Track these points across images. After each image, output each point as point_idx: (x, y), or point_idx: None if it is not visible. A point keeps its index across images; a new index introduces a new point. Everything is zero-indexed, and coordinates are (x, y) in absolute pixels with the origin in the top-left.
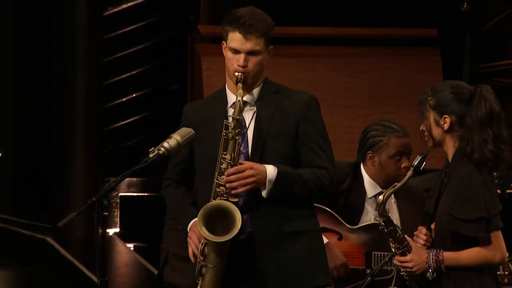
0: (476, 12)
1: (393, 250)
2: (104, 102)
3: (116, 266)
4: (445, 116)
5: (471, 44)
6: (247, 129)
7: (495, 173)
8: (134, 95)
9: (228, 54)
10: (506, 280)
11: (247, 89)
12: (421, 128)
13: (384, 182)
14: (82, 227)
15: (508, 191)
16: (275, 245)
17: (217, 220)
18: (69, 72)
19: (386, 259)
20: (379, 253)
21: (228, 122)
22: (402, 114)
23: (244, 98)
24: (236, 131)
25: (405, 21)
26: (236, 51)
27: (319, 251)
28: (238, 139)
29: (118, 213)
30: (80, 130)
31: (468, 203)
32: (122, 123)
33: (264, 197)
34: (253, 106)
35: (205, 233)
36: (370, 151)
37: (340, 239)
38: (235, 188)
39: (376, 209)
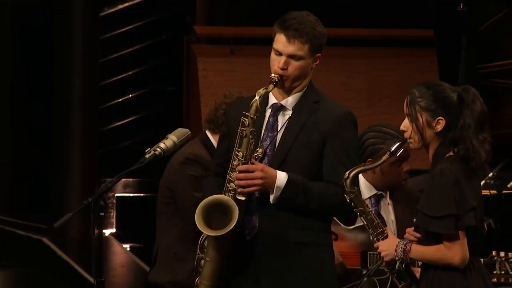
0: (472, 12)
1: (371, 237)
2: (100, 102)
3: (112, 267)
4: (439, 118)
5: (468, 45)
6: (277, 133)
7: (490, 174)
8: (130, 95)
9: (272, 55)
10: (502, 280)
11: (287, 92)
12: (401, 127)
13: (385, 187)
14: (79, 227)
15: (504, 191)
16: (279, 252)
17: (217, 215)
18: (65, 72)
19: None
20: (375, 253)
21: (244, 120)
22: (398, 115)
23: (282, 102)
24: (250, 129)
25: (402, 22)
26: (278, 53)
27: (324, 269)
28: (252, 138)
29: (114, 214)
30: (77, 130)
31: (436, 200)
32: (119, 123)
33: (271, 202)
34: (290, 110)
35: (200, 225)
36: (370, 159)
37: (336, 239)
38: (242, 186)
39: (342, 186)
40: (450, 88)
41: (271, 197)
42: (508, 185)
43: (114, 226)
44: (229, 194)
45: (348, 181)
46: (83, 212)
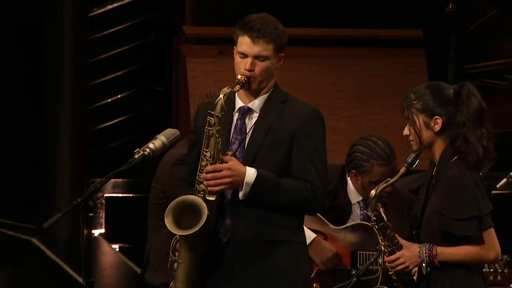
0: (461, 12)
1: (382, 248)
2: (89, 103)
3: (101, 267)
4: (436, 117)
5: (457, 45)
6: (246, 135)
7: (481, 174)
8: (119, 96)
9: (237, 58)
10: (491, 278)
11: (253, 94)
12: (404, 133)
13: (366, 198)
14: (68, 228)
15: (493, 192)
16: (255, 251)
17: (187, 216)
18: (54, 73)
19: (372, 259)
20: (364, 252)
21: (210, 119)
22: (387, 115)
23: (249, 105)
24: (216, 128)
25: (391, 22)
26: (244, 55)
27: (299, 264)
28: (218, 137)
29: (104, 214)
30: (66, 131)
31: (460, 202)
32: (108, 124)
33: (240, 198)
34: (256, 113)
35: (170, 225)
36: (354, 170)
37: (325, 239)
38: (212, 186)
39: (368, 203)
40: (447, 86)
41: (240, 194)
42: (498, 186)
43: (103, 226)
44: (199, 195)
45: (374, 200)
46: (72, 212)
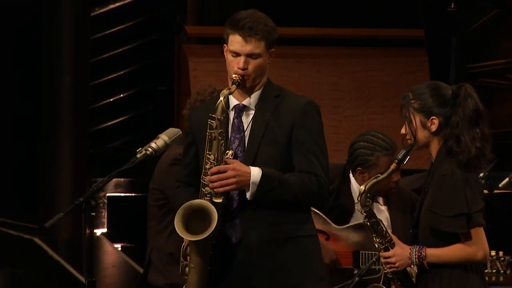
0: (463, 12)
1: (376, 245)
2: (90, 102)
3: (103, 267)
4: (433, 117)
5: (458, 45)
6: (244, 133)
7: (481, 174)
8: (121, 95)
9: (229, 57)
10: (493, 279)
11: (247, 92)
12: (401, 131)
13: (375, 194)
14: (70, 227)
15: (495, 191)
16: (265, 251)
17: (196, 219)
18: (55, 72)
19: (374, 258)
20: (367, 252)
21: (211, 122)
22: (388, 115)
23: (244, 102)
24: (219, 131)
25: (392, 22)
26: (236, 54)
27: (310, 258)
28: (221, 139)
29: (106, 214)
30: (67, 130)
31: (449, 199)
32: (109, 123)
33: (248, 199)
34: (252, 109)
35: (180, 231)
36: (359, 168)
37: (327, 239)
38: (217, 187)
39: (357, 199)
40: (447, 86)
41: (248, 194)
42: (500, 185)
43: (105, 226)
44: (206, 198)
45: (363, 195)
46: (74, 212)
